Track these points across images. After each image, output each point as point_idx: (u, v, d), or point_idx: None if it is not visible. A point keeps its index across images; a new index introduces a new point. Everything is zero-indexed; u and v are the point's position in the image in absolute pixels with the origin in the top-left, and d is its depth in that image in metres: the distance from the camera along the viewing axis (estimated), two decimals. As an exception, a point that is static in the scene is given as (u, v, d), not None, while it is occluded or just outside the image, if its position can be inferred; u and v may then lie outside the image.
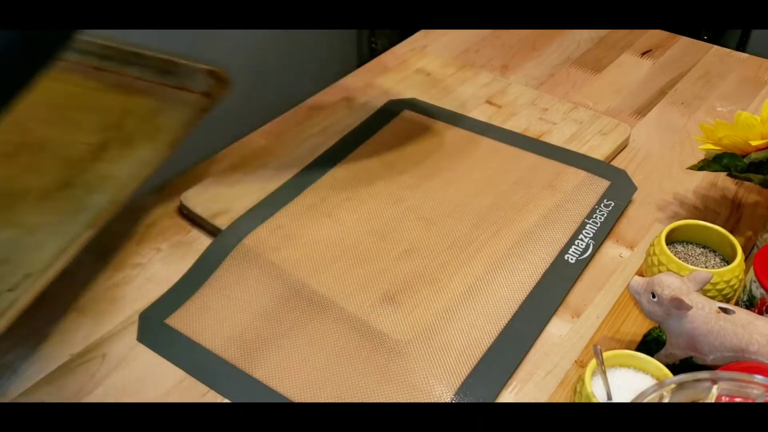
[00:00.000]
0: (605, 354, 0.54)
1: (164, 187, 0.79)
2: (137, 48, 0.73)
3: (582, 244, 0.71)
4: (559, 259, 0.69)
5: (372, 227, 0.72)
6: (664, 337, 0.59)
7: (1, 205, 0.60)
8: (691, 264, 0.64)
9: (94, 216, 0.57)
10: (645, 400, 0.44)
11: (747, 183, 0.74)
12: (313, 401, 0.57)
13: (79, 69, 0.72)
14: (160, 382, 0.60)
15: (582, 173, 0.79)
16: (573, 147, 0.83)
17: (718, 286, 0.61)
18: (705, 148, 0.70)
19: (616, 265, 0.70)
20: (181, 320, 0.64)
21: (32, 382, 0.59)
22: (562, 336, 0.63)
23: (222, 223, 0.72)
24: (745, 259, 0.65)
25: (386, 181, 0.78)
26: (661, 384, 0.45)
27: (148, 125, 0.69)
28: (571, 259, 0.69)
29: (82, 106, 0.70)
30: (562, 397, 0.59)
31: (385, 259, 0.69)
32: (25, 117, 0.61)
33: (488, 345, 0.61)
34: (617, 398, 0.52)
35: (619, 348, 0.60)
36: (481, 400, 0.58)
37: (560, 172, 0.79)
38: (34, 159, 0.65)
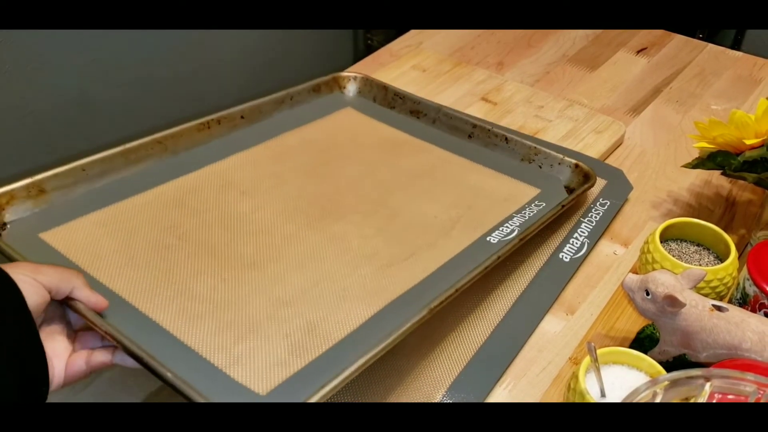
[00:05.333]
0: (599, 351, 0.54)
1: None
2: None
3: (577, 243, 0.71)
4: (554, 258, 0.69)
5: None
6: (657, 334, 0.59)
7: None
8: (685, 262, 0.64)
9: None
10: (638, 398, 0.44)
11: (741, 181, 0.74)
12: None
13: None
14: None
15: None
16: (568, 145, 0.83)
17: (712, 284, 0.61)
18: (699, 146, 0.70)
19: (611, 263, 0.70)
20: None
21: None
22: (556, 333, 0.64)
23: None
24: (739, 257, 0.65)
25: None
26: (654, 381, 0.45)
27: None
28: (566, 258, 0.69)
29: None
30: (556, 394, 0.59)
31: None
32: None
33: (482, 342, 0.62)
34: (611, 395, 0.53)
35: (613, 345, 0.61)
36: (473, 397, 0.58)
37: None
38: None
